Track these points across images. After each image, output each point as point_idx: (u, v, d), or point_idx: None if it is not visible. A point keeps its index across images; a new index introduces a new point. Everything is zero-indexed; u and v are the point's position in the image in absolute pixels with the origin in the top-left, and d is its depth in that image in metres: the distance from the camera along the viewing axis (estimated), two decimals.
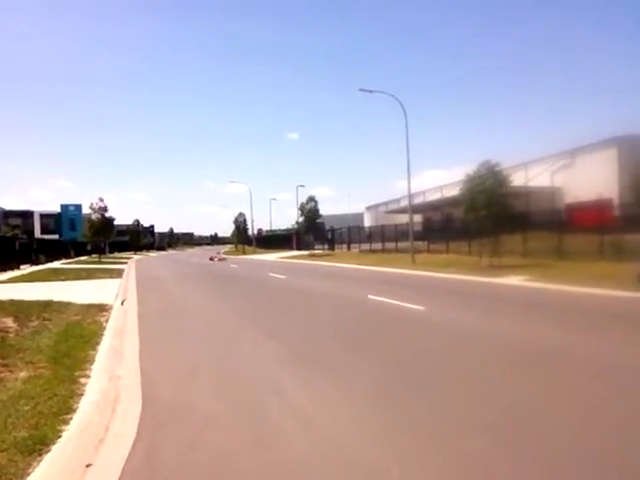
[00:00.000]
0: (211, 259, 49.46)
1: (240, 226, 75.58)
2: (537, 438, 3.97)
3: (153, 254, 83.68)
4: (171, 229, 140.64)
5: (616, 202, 25.00)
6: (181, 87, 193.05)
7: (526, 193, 33.39)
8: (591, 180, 30.17)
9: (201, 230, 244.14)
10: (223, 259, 49.62)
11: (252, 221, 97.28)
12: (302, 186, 69.73)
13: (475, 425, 4.31)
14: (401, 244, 36.96)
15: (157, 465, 3.79)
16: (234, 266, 36.72)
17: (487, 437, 4.04)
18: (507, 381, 5.65)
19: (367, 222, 66.33)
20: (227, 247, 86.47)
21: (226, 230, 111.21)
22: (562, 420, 4.37)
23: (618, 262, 16.84)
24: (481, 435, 4.09)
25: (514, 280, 16.91)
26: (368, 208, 72.35)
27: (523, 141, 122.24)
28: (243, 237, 76.36)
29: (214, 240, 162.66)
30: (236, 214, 76.07)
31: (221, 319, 11.34)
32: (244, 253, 67.96)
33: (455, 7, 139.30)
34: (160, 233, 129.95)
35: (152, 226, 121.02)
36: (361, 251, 45.56)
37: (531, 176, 38.78)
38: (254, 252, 68.39)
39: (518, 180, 31.50)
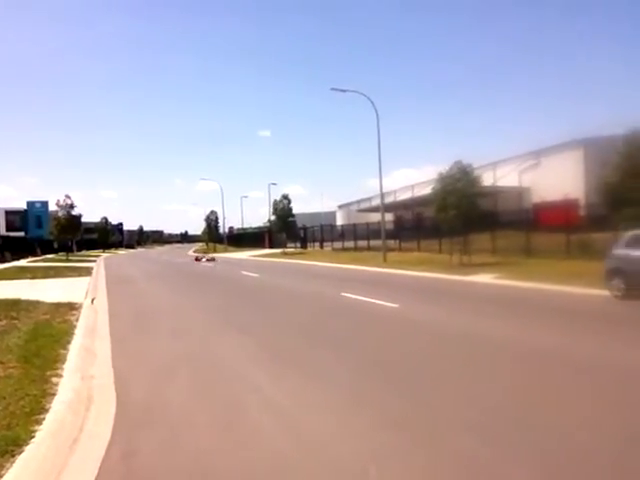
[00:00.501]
0: (197, 259, 41.63)
1: (211, 224, 74.78)
2: (508, 431, 4.06)
3: (122, 252, 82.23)
4: (140, 227, 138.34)
5: (582, 202, 25.58)
6: (152, 86, 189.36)
7: (495, 193, 33.95)
8: (558, 180, 30.76)
9: (171, 228, 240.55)
10: (212, 259, 40.94)
11: (224, 219, 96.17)
12: (274, 184, 69.22)
13: (437, 410, 4.38)
14: (373, 242, 37.20)
15: (133, 465, 3.75)
16: (206, 264, 36.37)
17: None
18: (482, 375, 5.75)
19: (339, 220, 66.47)
20: (198, 245, 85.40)
21: (197, 228, 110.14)
22: (539, 415, 4.48)
23: (585, 260, 17.26)
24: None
25: (485, 278, 17.19)
26: (340, 207, 72.49)
27: (495, 141, 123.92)
28: (214, 235, 75.57)
29: (184, 238, 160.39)
30: (207, 212, 75.19)
31: (193, 318, 11.22)
32: (215, 251, 67.23)
33: (428, 10, 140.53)
34: (129, 231, 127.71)
35: (121, 224, 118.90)
36: (334, 249, 45.67)
37: (499, 176, 39.39)
38: (225, 250, 67.81)
39: (487, 180, 31.96)
